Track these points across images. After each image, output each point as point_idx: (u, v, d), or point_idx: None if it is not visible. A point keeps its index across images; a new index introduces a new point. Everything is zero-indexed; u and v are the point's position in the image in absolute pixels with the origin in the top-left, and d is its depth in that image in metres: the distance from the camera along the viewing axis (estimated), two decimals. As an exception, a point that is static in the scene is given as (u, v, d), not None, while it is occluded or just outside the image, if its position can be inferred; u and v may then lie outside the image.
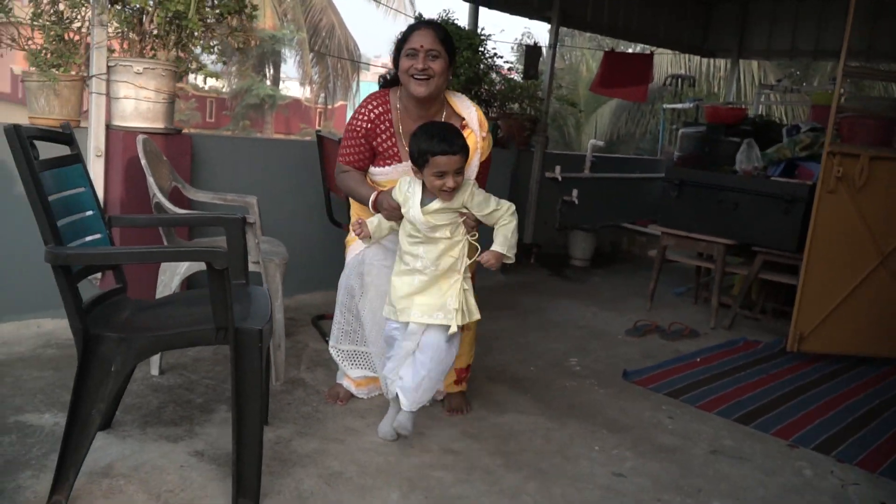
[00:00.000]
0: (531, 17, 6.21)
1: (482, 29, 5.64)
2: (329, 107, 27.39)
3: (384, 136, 2.67)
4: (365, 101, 2.72)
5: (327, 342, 3.61)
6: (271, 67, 24.92)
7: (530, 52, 6.14)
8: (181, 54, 3.69)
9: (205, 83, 22.05)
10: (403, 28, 2.67)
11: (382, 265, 2.77)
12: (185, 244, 3.24)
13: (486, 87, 5.41)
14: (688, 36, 7.93)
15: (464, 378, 3.01)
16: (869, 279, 4.00)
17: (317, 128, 30.08)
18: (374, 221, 2.64)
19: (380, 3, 19.56)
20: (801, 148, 4.85)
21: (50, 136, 2.13)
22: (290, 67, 24.95)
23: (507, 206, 2.47)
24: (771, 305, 4.93)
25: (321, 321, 3.96)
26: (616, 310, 4.86)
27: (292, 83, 28.08)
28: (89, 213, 2.25)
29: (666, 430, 2.99)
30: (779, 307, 4.87)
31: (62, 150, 2.21)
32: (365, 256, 2.81)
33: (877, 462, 2.82)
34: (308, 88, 26.13)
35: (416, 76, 2.51)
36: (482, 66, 5.21)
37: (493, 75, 5.51)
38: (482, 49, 5.21)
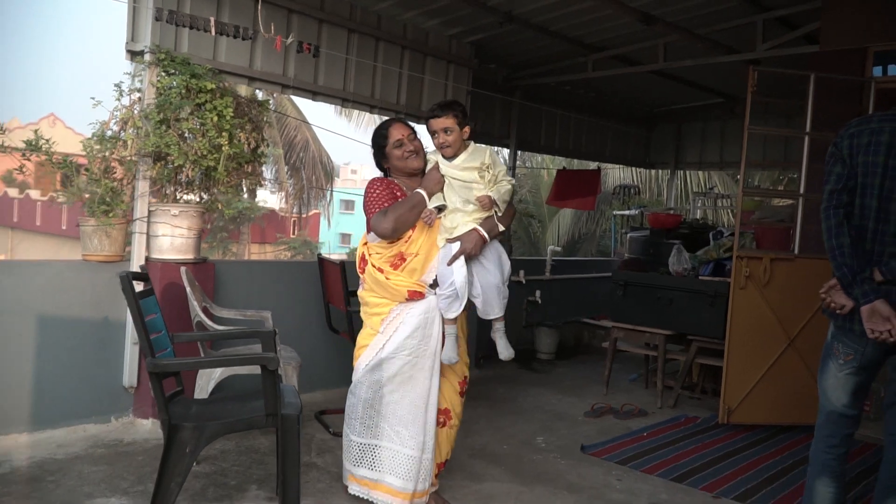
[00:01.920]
0: (493, 144, 7.19)
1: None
2: (303, 216, 28.45)
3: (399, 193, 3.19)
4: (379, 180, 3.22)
5: (331, 433, 4.28)
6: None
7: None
8: (204, 195, 4.50)
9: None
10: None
11: (403, 358, 3.10)
12: (229, 353, 3.92)
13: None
14: (632, 152, 9.03)
15: (440, 472, 3.35)
16: (781, 359, 4.80)
17: (291, 235, 30.90)
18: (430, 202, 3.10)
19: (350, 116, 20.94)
20: (725, 250, 5.74)
21: (137, 276, 2.88)
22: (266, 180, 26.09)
23: (507, 174, 3.13)
24: (711, 386, 5.68)
25: (323, 416, 4.61)
26: (577, 395, 5.58)
27: (265, 193, 29.22)
28: (160, 332, 2.97)
29: (615, 489, 3.67)
30: (716, 387, 5.60)
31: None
32: (384, 352, 3.11)
33: (783, 507, 3.53)
34: (283, 199, 27.22)
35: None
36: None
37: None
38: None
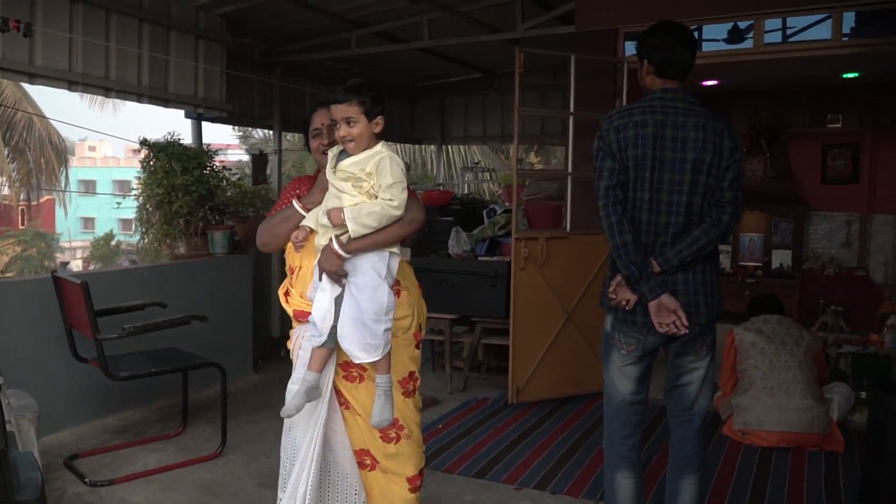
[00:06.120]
0: (254, 127, 6.65)
1: (208, 145, 5.92)
2: (34, 203, 25.10)
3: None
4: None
5: (85, 483, 3.62)
6: (-44, 169, 22.29)
7: (257, 160, 6.54)
8: None
9: None
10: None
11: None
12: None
13: (219, 198, 5.68)
14: (398, 128, 8.90)
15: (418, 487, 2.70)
16: (561, 333, 4.94)
17: (20, 227, 27.28)
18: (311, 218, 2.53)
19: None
20: (499, 228, 5.80)
21: None
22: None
23: (392, 194, 2.37)
24: (496, 364, 5.75)
25: (74, 461, 3.90)
26: (366, 390, 5.34)
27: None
28: None
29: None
30: (502, 364, 5.68)
31: None
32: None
33: (579, 488, 3.60)
34: (6, 187, 23.80)
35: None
36: (213, 181, 5.51)
37: (225, 184, 5.81)
38: (210, 166, 5.52)
